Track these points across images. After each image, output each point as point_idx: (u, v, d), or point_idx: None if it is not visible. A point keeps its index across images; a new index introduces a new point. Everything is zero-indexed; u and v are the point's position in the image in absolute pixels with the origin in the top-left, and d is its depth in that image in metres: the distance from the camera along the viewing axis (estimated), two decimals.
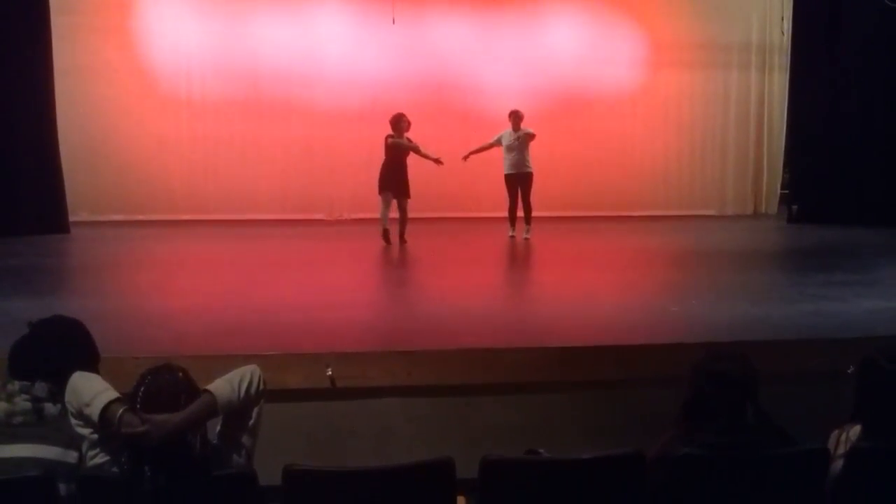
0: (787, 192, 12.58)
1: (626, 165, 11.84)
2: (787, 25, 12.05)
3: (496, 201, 11.31)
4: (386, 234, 9.13)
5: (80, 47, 10.74)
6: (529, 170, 9.84)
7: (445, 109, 11.76)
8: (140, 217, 10.96)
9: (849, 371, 3.18)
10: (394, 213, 9.26)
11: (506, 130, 9.89)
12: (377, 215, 11.25)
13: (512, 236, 9.96)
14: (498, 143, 9.92)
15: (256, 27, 11.46)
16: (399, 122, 9.29)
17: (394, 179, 9.15)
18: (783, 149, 12.80)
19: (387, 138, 9.29)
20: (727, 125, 12.89)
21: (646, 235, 10.29)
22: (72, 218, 10.27)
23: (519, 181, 9.85)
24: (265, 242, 9.45)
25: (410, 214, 9.36)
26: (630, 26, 12.31)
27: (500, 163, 9.98)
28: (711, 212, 12.64)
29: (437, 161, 9.30)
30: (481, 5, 11.86)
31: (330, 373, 4.49)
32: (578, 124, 11.14)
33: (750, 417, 2.95)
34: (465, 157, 9.91)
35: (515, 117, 9.82)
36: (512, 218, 10.00)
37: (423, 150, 9.35)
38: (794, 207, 11.70)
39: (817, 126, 11.35)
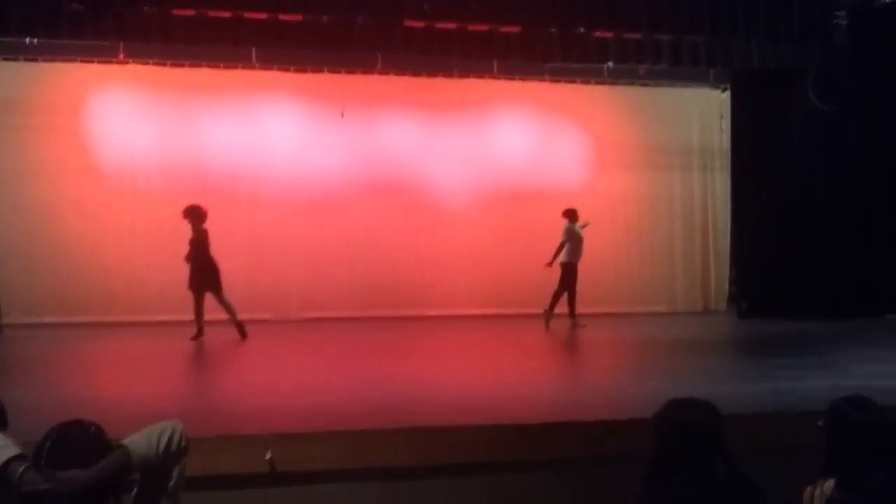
0: (734, 289, 12.69)
1: None
2: (726, 125, 12.46)
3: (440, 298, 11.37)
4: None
5: (20, 145, 10.54)
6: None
7: (393, 205, 11.74)
8: (77, 319, 10.51)
9: (819, 424, 3.02)
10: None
11: (574, 224, 10.60)
12: (327, 314, 11.21)
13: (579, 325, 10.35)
14: (572, 235, 10.57)
15: (204, 122, 11.38)
16: (199, 214, 9.25)
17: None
18: (729, 247, 13.00)
19: (205, 231, 9.21)
20: (673, 224, 13.07)
21: (597, 329, 10.23)
22: (4, 320, 9.83)
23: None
24: (206, 340, 9.08)
25: None
26: (573, 128, 12.54)
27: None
28: (662, 308, 12.65)
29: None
30: (429, 105, 12.00)
31: (269, 456, 4.17)
32: (525, 222, 11.19)
33: (719, 470, 2.75)
34: (550, 264, 10.44)
35: (575, 214, 10.64)
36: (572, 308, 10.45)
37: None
38: (744, 305, 11.77)
39: (760, 225, 11.56)
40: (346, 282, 11.55)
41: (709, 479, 2.73)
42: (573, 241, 10.59)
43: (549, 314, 10.34)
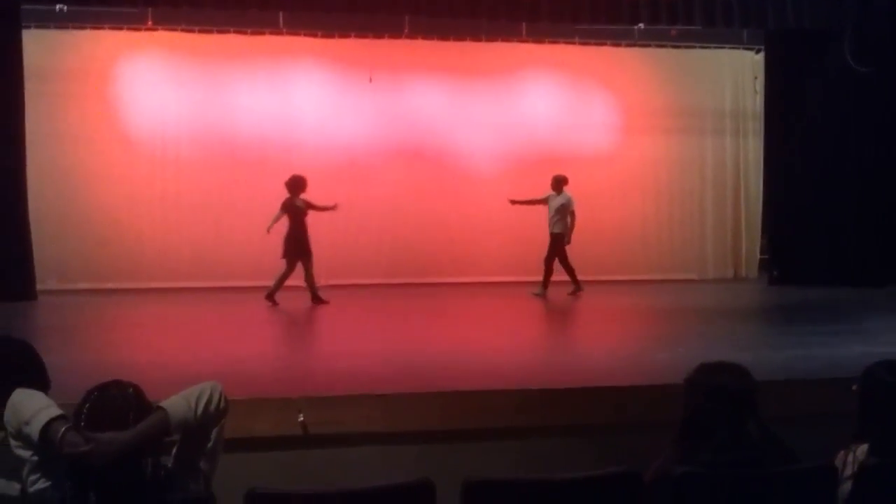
0: (765, 256, 12.54)
1: (604, 230, 11.74)
2: (760, 86, 12.22)
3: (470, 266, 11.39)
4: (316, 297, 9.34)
5: (52, 113, 10.61)
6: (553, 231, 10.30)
7: (422, 170, 11.71)
8: (111, 285, 10.69)
9: (853, 388, 3.00)
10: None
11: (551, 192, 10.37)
12: (355, 281, 11.27)
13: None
14: (544, 201, 10.37)
15: (232, 88, 11.41)
16: (297, 184, 9.46)
17: (304, 242, 9.38)
18: (761, 213, 12.83)
19: (286, 202, 9.42)
20: (704, 190, 12.90)
21: (626, 296, 10.19)
22: (39, 286, 9.97)
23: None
24: (239, 307, 9.21)
25: None
26: (603, 92, 12.39)
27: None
28: (692, 276, 12.55)
29: (332, 207, 9.49)
30: (457, 69, 11.91)
31: (301, 419, 4.23)
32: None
33: (752, 433, 2.76)
34: (513, 202, 10.46)
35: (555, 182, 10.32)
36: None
37: (316, 204, 9.54)
38: (775, 272, 11.64)
39: (793, 190, 11.37)
40: (374, 248, 11.59)
41: (741, 442, 2.74)
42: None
43: (577, 284, 10.25)
